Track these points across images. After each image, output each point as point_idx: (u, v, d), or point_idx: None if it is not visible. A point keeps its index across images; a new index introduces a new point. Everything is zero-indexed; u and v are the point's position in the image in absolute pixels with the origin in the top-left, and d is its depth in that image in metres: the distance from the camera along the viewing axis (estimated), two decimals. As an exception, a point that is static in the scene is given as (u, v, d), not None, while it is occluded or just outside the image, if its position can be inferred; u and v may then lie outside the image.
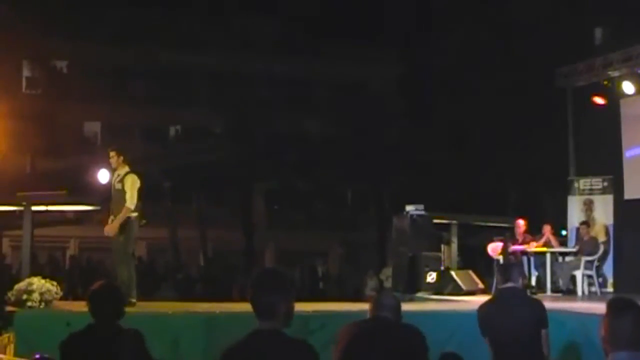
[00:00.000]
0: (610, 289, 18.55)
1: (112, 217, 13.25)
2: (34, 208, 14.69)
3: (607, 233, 18.94)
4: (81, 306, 12.55)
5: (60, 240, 34.72)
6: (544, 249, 17.87)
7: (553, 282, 17.80)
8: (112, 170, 13.63)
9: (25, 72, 37.85)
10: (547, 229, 18.62)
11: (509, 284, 8.90)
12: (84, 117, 39.05)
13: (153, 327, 11.44)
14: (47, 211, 16.38)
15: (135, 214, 13.16)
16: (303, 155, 35.87)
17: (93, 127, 40.31)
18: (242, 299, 13.41)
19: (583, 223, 18.74)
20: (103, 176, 23.64)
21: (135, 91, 38.86)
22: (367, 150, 34.64)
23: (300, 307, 13.15)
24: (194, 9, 37.13)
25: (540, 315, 8.66)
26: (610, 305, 4.88)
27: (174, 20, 37.11)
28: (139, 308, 12.73)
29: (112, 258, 13.91)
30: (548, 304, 9.71)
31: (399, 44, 36.48)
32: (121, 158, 13.29)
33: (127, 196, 13.01)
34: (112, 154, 13.40)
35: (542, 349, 8.49)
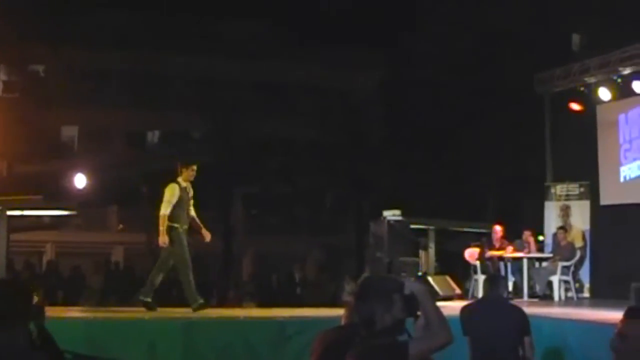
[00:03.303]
0: (586, 294, 18.64)
1: None
2: (10, 213, 14.63)
3: (583, 238, 19.04)
4: (58, 311, 12.56)
5: (36, 245, 34.55)
6: (521, 255, 17.93)
7: (530, 288, 17.87)
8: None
9: (2, 76, 37.61)
10: (527, 235, 18.70)
11: (494, 293, 9.04)
12: (61, 122, 38.85)
13: (129, 332, 11.45)
14: (23, 216, 16.33)
15: (176, 224, 13.31)
16: (283, 160, 35.82)
17: (70, 132, 40.11)
18: (220, 304, 13.42)
19: (560, 228, 18.81)
20: (80, 181, 23.58)
21: (114, 95, 38.67)
22: (347, 155, 34.64)
23: (277, 312, 13.20)
24: (174, 13, 37.02)
25: (523, 323, 8.78)
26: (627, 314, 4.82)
27: (153, 24, 36.98)
28: (115, 313, 12.69)
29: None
30: (525, 310, 9.76)
31: (380, 50, 36.49)
32: (179, 169, 13.65)
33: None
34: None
35: (519, 356, 8.58)
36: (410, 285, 5.12)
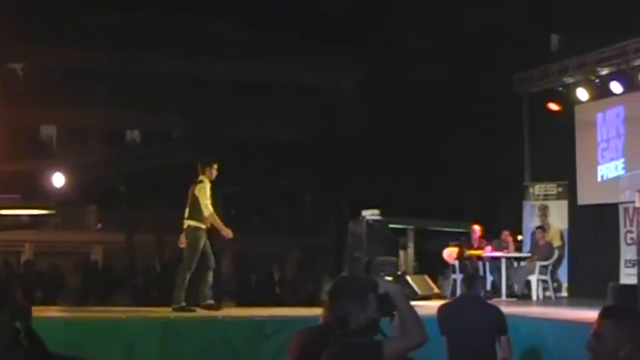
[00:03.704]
0: (564, 293, 18.71)
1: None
2: (-13, 212, 14.61)
3: (561, 238, 19.11)
4: (36, 311, 12.50)
5: (15, 245, 34.40)
6: (499, 254, 17.99)
7: (508, 287, 17.91)
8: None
9: (-20, 75, 37.51)
10: (506, 235, 18.77)
11: (472, 292, 9.08)
12: (39, 121, 38.73)
13: (107, 332, 11.43)
14: (1, 215, 16.30)
15: (202, 225, 13.52)
16: (262, 160, 35.80)
17: (49, 131, 39.99)
18: (197, 304, 13.40)
19: (538, 228, 18.88)
20: (58, 180, 23.49)
21: (93, 95, 38.55)
22: (327, 155, 34.65)
23: (256, 312, 13.19)
24: (154, 12, 36.92)
25: (499, 321, 8.82)
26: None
27: (132, 24, 36.89)
28: (93, 313, 12.65)
29: None
30: (503, 309, 9.80)
31: (359, 50, 36.51)
32: (201, 168, 13.83)
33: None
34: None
35: (496, 354, 8.62)
36: (385, 285, 5.13)
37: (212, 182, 13.81)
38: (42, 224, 33.65)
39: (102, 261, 33.63)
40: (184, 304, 13.17)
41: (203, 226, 13.45)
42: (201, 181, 13.64)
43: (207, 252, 13.54)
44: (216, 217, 13.45)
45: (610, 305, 4.70)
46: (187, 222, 13.56)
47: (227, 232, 13.47)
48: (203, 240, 13.45)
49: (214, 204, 13.67)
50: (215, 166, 13.89)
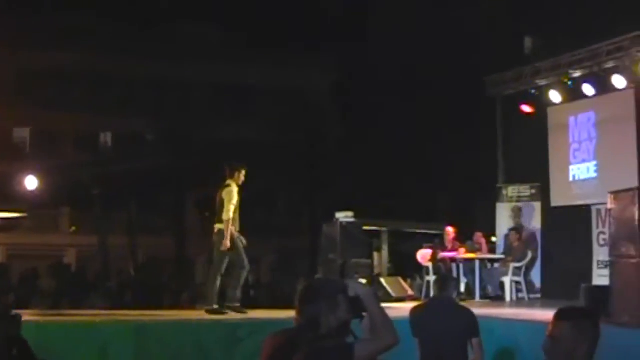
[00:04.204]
0: (538, 295, 18.76)
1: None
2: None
3: (535, 240, 19.17)
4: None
5: (-13, 248, 34.30)
6: (473, 256, 18.03)
7: (482, 289, 17.96)
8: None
9: (-47, 77, 37.28)
10: (479, 236, 18.82)
11: (444, 294, 9.09)
12: (13, 123, 38.54)
13: (81, 335, 11.38)
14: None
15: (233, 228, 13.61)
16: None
17: (22, 134, 39.80)
18: (172, 307, 13.37)
19: (512, 230, 18.94)
20: (31, 183, 23.37)
21: (66, 97, 38.42)
22: (301, 157, 34.65)
23: (230, 315, 13.17)
24: (130, 15, 36.83)
25: (471, 324, 8.82)
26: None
27: (107, 26, 36.77)
28: (66, 317, 12.60)
29: None
30: (477, 311, 9.81)
31: (334, 52, 36.55)
32: (229, 173, 13.93)
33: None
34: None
35: (467, 356, 8.62)
36: (355, 287, 5.13)
37: (239, 186, 13.87)
38: (15, 227, 33.53)
39: (76, 264, 33.53)
40: (216, 306, 13.22)
41: (232, 228, 13.54)
42: (228, 185, 13.73)
43: (241, 254, 13.62)
44: (229, 224, 13.45)
45: (567, 307, 4.72)
46: (217, 226, 13.67)
47: (226, 244, 13.41)
48: (235, 242, 13.54)
49: (238, 208, 13.80)
50: (244, 171, 14.02)
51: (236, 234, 13.58)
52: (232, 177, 13.84)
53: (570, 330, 4.46)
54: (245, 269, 13.62)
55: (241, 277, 13.60)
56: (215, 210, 13.84)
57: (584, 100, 18.40)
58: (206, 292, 13.59)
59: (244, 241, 13.72)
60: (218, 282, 13.52)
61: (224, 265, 13.51)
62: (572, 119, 18.80)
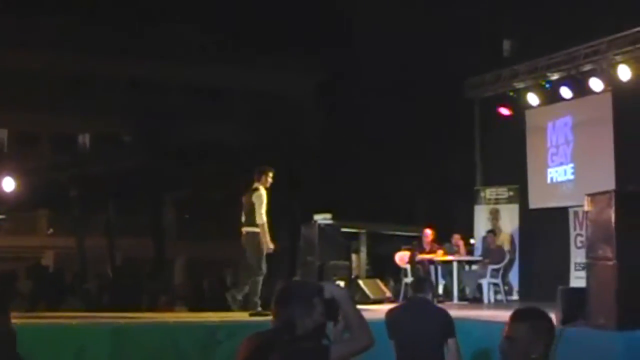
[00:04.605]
0: (515, 296, 18.83)
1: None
2: None
3: (512, 242, 19.23)
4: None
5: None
6: (451, 258, 18.07)
7: (460, 291, 18.00)
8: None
9: None
10: (457, 239, 18.87)
11: (420, 295, 9.09)
12: (-10, 125, 38.42)
13: (57, 338, 11.32)
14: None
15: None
16: (216, 164, 35.70)
17: (0, 135, 39.64)
18: (150, 309, 13.34)
19: (489, 232, 19.00)
20: (8, 184, 23.26)
21: (44, 98, 38.26)
22: (279, 159, 34.61)
23: (208, 317, 13.15)
24: (107, 16, 36.71)
25: (447, 324, 8.82)
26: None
27: (84, 27, 36.65)
28: (43, 319, 12.54)
29: None
30: (455, 313, 9.83)
31: (315, 54, 36.55)
32: (257, 176, 14.16)
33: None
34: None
35: (444, 357, 8.63)
36: (331, 289, 5.13)
37: (267, 189, 14.08)
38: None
39: (54, 266, 33.37)
40: (260, 309, 13.37)
41: (267, 232, 13.83)
42: (257, 189, 13.96)
43: (262, 260, 13.92)
44: (266, 227, 13.77)
45: (523, 308, 4.77)
46: (246, 229, 13.96)
47: (269, 245, 13.82)
48: (261, 246, 13.83)
49: (268, 211, 13.99)
50: (271, 174, 14.19)
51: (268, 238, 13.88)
52: (259, 180, 14.11)
53: (527, 330, 4.51)
54: (261, 274, 13.91)
55: (258, 282, 13.88)
56: (243, 213, 14.13)
57: (562, 103, 18.50)
58: (252, 295, 13.79)
59: (271, 247, 13.97)
60: (260, 285, 13.83)
61: (264, 266, 13.90)
62: (550, 125, 18.89)
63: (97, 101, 37.48)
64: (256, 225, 13.74)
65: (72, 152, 38.49)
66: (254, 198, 13.83)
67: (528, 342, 4.48)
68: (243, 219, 14.09)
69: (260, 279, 13.77)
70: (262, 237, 13.69)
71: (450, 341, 8.70)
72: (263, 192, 13.92)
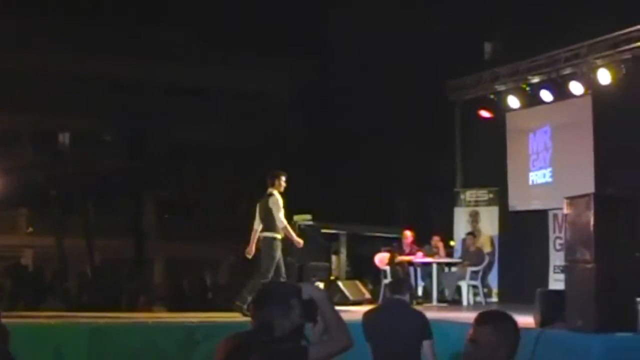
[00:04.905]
0: (495, 298, 18.87)
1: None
2: None
3: (492, 244, 19.27)
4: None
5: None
6: (431, 259, 18.09)
7: (439, 292, 18.03)
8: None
9: None
10: (436, 240, 18.88)
11: (397, 296, 9.08)
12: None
13: (35, 337, 11.27)
14: None
15: (276, 234, 14.15)
16: (196, 164, 35.66)
17: (-22, 133, 39.44)
18: (129, 309, 13.31)
19: (469, 234, 19.04)
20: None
21: (24, 97, 38.07)
22: (260, 160, 34.60)
23: (187, 317, 13.13)
24: (89, 16, 36.57)
25: (422, 326, 8.81)
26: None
27: (65, 26, 36.51)
28: (21, 319, 12.49)
29: None
30: (434, 314, 9.86)
31: (293, 54, 36.51)
32: (270, 181, 14.38)
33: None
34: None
35: (420, 359, 8.63)
36: (309, 290, 5.13)
37: (281, 193, 14.28)
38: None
39: (33, 265, 33.24)
40: (245, 307, 13.37)
41: (278, 236, 14.05)
42: (271, 194, 14.15)
43: (280, 264, 14.05)
44: (289, 228, 14.11)
45: (487, 311, 4.79)
46: (263, 234, 14.10)
47: (298, 241, 14.27)
48: (279, 250, 14.05)
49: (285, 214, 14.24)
50: (284, 178, 14.39)
51: (279, 243, 14.14)
52: (273, 185, 14.30)
53: (491, 333, 4.51)
54: (267, 277, 13.87)
55: (257, 284, 13.76)
56: (259, 219, 14.25)
57: (542, 109, 18.54)
58: (245, 290, 13.96)
59: (280, 253, 14.20)
60: (258, 287, 13.79)
61: (272, 271, 13.89)
62: (531, 135, 18.96)
63: (78, 100, 37.30)
64: (274, 230, 13.94)
65: (52, 151, 38.32)
66: (271, 204, 14.02)
67: (491, 345, 4.49)
68: (258, 225, 14.23)
69: (264, 282, 13.70)
70: (278, 243, 13.96)
71: (426, 343, 8.68)
72: (278, 196, 14.12)
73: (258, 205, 14.31)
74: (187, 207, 39.65)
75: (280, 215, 13.91)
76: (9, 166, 30.69)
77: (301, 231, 17.73)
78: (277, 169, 14.67)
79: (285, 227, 13.92)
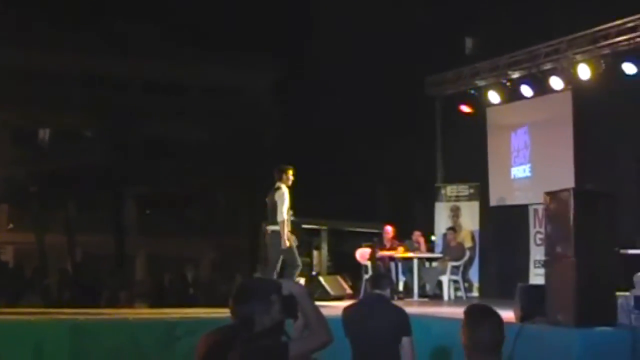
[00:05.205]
0: (475, 293, 18.91)
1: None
2: None
3: (473, 239, 19.30)
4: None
5: None
6: (411, 255, 18.10)
7: (420, 287, 18.05)
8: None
9: None
10: (417, 235, 18.89)
11: (377, 291, 9.07)
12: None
13: (15, 334, 11.23)
14: None
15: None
16: (177, 160, 35.62)
17: (-41, 129, 39.25)
18: (109, 305, 13.26)
19: (450, 229, 19.06)
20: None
21: (4, 92, 37.89)
22: (240, 156, 34.57)
23: (168, 313, 13.10)
24: (68, 11, 36.45)
25: (402, 322, 8.77)
26: (468, 314, 5.07)
27: (45, 21, 36.39)
28: (1, 315, 12.43)
29: None
30: (415, 309, 9.87)
31: (274, 51, 36.51)
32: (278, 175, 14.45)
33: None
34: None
35: (399, 355, 8.60)
36: (289, 286, 5.14)
37: (289, 187, 14.35)
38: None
39: (14, 261, 33.08)
40: None
41: (286, 229, 14.04)
42: (279, 188, 14.23)
43: (294, 253, 14.20)
44: (285, 225, 13.99)
45: (471, 305, 4.88)
46: (271, 227, 14.15)
47: (285, 243, 13.99)
48: (291, 241, 14.10)
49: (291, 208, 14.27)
50: (291, 172, 14.47)
51: (289, 234, 14.12)
52: (280, 179, 14.37)
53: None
54: (298, 268, 14.20)
55: (294, 276, 13.99)
56: (267, 212, 14.32)
57: (521, 105, 18.60)
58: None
59: (296, 241, 14.41)
60: (295, 276, 14.03)
61: (279, 265, 14.05)
62: (512, 134, 19.01)
63: (58, 96, 37.18)
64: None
65: (32, 147, 38.17)
66: (277, 197, 14.11)
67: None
68: (268, 217, 14.31)
69: (275, 275, 13.96)
70: (281, 232, 13.94)
71: (405, 340, 8.62)
72: (285, 190, 14.18)
73: (267, 199, 14.43)
74: (168, 203, 39.59)
75: (283, 209, 13.99)
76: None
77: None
78: (285, 164, 14.81)
79: (282, 222, 13.94)
